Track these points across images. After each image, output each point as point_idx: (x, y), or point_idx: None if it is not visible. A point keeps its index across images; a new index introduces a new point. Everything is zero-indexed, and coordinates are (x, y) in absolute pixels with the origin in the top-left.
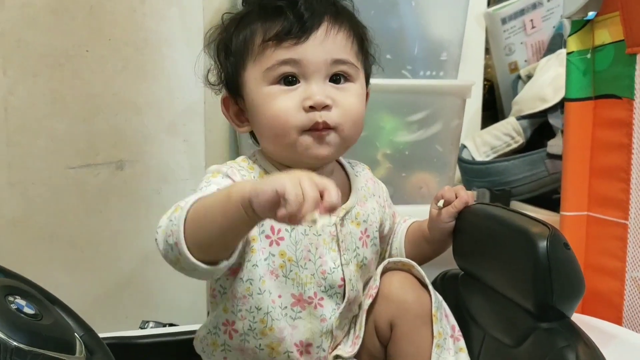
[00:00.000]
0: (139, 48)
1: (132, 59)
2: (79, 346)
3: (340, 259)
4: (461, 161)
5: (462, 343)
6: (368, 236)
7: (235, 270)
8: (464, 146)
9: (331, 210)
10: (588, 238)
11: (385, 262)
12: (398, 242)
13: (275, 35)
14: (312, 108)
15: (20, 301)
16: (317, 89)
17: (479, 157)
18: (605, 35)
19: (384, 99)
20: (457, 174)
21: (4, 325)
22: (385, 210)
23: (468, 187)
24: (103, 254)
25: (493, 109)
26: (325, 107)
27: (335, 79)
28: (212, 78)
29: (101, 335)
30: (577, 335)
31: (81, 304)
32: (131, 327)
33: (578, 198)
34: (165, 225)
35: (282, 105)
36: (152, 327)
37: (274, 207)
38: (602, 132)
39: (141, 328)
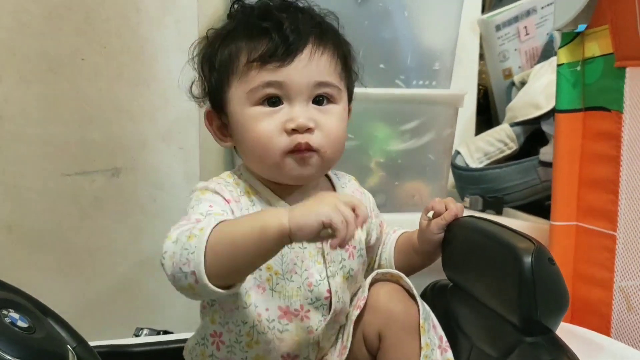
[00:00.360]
0: (134, 56)
1: (127, 66)
2: (71, 358)
3: (326, 271)
4: (455, 167)
5: (449, 354)
6: (354, 247)
7: None
8: (458, 152)
9: (364, 223)
10: (577, 248)
11: (373, 274)
12: (387, 253)
13: (259, 56)
14: (294, 131)
15: (14, 315)
16: (300, 112)
17: (472, 164)
18: (594, 48)
19: (378, 108)
20: (450, 181)
21: None
22: (371, 221)
23: (461, 194)
24: (98, 261)
25: (487, 114)
26: (308, 130)
27: (318, 100)
28: (196, 90)
29: (94, 343)
30: (561, 349)
31: (75, 311)
32: (125, 334)
33: (567, 208)
34: (177, 252)
35: (265, 128)
36: (146, 334)
37: (317, 236)
38: (591, 143)
39: (135, 335)
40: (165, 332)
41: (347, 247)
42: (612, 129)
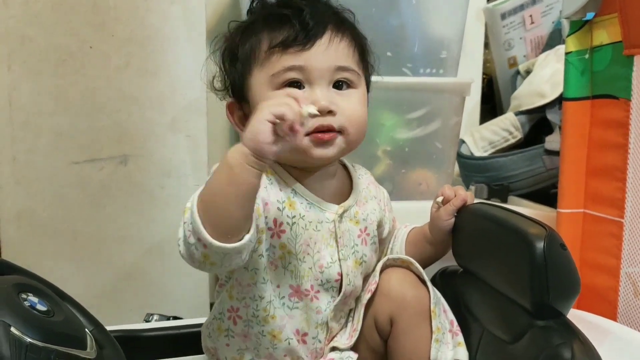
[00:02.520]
0: (142, 44)
1: (134, 55)
2: (89, 341)
3: (338, 254)
4: (460, 156)
5: (460, 338)
6: (368, 234)
7: None
8: (463, 141)
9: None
10: (584, 235)
11: (384, 259)
12: (399, 247)
13: (281, 42)
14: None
15: (33, 298)
16: (321, 95)
17: (477, 153)
18: (603, 36)
19: (385, 97)
20: (456, 170)
21: (19, 322)
22: (385, 214)
23: (467, 182)
24: (107, 248)
25: (492, 103)
26: (330, 113)
27: (338, 85)
28: (217, 84)
29: (107, 328)
30: (572, 333)
31: (86, 297)
32: (135, 320)
33: (575, 196)
34: (182, 233)
35: None
36: (156, 320)
37: (275, 137)
38: (599, 131)
39: (146, 321)
40: (175, 318)
41: (359, 232)
42: (620, 117)
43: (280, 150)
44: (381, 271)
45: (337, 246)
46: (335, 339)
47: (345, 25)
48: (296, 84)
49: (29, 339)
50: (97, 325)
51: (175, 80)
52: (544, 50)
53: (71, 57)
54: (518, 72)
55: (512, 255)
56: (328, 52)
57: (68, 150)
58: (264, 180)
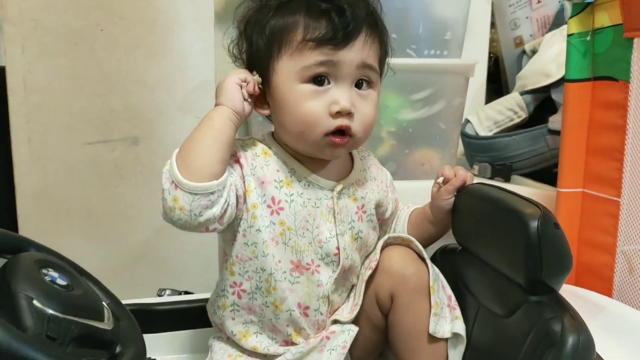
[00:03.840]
0: (151, 27)
1: (143, 38)
2: (106, 313)
3: (336, 229)
4: (464, 136)
5: (458, 312)
6: (365, 212)
7: (235, 236)
8: (468, 121)
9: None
10: (582, 214)
11: (385, 237)
12: (401, 226)
13: (318, 37)
14: (338, 113)
15: (53, 273)
16: (345, 96)
17: (482, 132)
18: (604, 18)
19: (389, 78)
20: (460, 150)
21: (41, 296)
22: (386, 195)
23: (471, 162)
24: (119, 226)
25: (498, 82)
26: (349, 115)
27: (359, 83)
28: (235, 49)
29: (122, 301)
30: (563, 307)
31: (101, 273)
32: (149, 295)
33: (574, 175)
34: (163, 189)
35: (312, 107)
36: (168, 295)
37: (241, 94)
38: (599, 112)
39: (159, 295)
40: (187, 293)
41: (356, 209)
42: (619, 99)
43: (247, 110)
44: (382, 249)
45: (335, 222)
46: (337, 312)
47: (378, 27)
48: (321, 78)
49: (50, 311)
50: (113, 299)
51: (184, 62)
52: (550, 30)
53: (83, 40)
54: (524, 52)
55: (507, 234)
56: (361, 53)
57: (81, 131)
58: (262, 159)
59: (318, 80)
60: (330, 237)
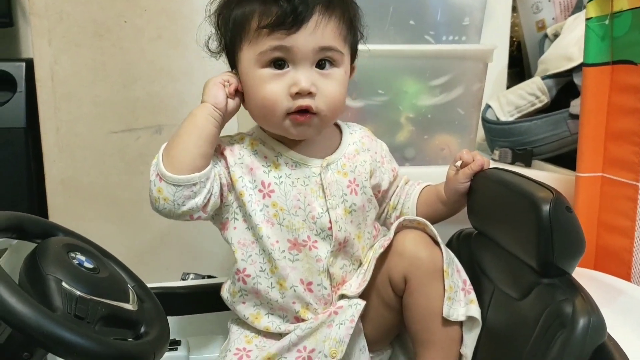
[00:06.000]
0: (173, 17)
1: (166, 28)
2: (132, 295)
3: (327, 203)
4: (485, 121)
5: (472, 296)
6: (357, 185)
7: (231, 223)
8: (489, 106)
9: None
10: (602, 198)
11: (401, 219)
12: (411, 203)
13: (269, 24)
14: (297, 94)
15: (81, 257)
16: (304, 77)
17: (503, 117)
18: (623, 1)
19: (407, 64)
20: (479, 135)
21: (69, 278)
22: (380, 165)
23: (491, 147)
24: (144, 212)
25: (520, 67)
26: (309, 94)
27: (321, 64)
28: (212, 45)
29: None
30: (575, 289)
31: (127, 257)
32: (172, 279)
33: (593, 160)
34: (150, 180)
35: (271, 90)
36: (192, 278)
37: (224, 91)
38: (618, 97)
39: (182, 279)
40: (210, 277)
41: (348, 183)
42: (638, 82)
43: (231, 107)
44: (397, 231)
45: (325, 197)
46: (344, 287)
47: (334, 4)
48: (280, 62)
49: (78, 292)
50: (138, 282)
51: (204, 51)
52: (572, 13)
53: (107, 31)
54: (546, 36)
55: (521, 218)
56: (314, 35)
57: (107, 120)
58: (249, 149)
59: (278, 64)
60: (322, 212)
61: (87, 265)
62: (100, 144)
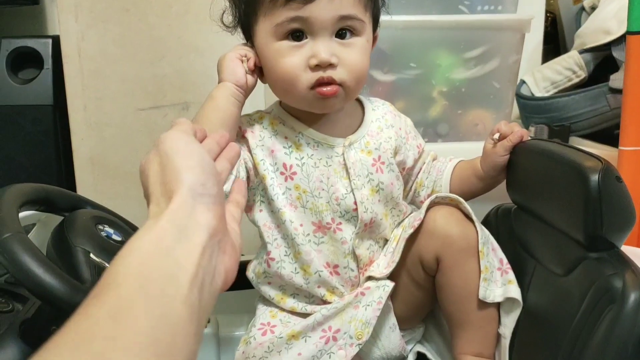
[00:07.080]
0: None
1: (193, 2)
2: None
3: (351, 184)
4: (519, 97)
5: (511, 275)
6: (383, 163)
7: (257, 206)
8: (523, 82)
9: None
10: None
11: (433, 197)
12: (444, 180)
13: None
14: (317, 66)
15: (109, 229)
16: (323, 47)
17: (538, 93)
18: None
19: (441, 36)
20: (514, 110)
21: (97, 250)
22: (405, 141)
23: (526, 123)
24: None
25: (555, 43)
26: (331, 66)
27: (341, 33)
28: (227, 19)
29: None
30: (625, 263)
31: None
32: None
33: (637, 133)
34: None
35: (290, 63)
36: None
37: (242, 67)
38: None
39: None
40: None
41: (372, 162)
42: None
43: (251, 83)
44: (428, 209)
45: (349, 177)
46: (371, 268)
47: None
48: (299, 33)
49: (106, 264)
50: None
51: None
52: None
53: (134, 6)
54: (583, 9)
55: (567, 189)
56: (332, 3)
57: (134, 97)
58: (269, 130)
59: (296, 36)
60: (347, 193)
61: (116, 237)
62: (127, 121)
